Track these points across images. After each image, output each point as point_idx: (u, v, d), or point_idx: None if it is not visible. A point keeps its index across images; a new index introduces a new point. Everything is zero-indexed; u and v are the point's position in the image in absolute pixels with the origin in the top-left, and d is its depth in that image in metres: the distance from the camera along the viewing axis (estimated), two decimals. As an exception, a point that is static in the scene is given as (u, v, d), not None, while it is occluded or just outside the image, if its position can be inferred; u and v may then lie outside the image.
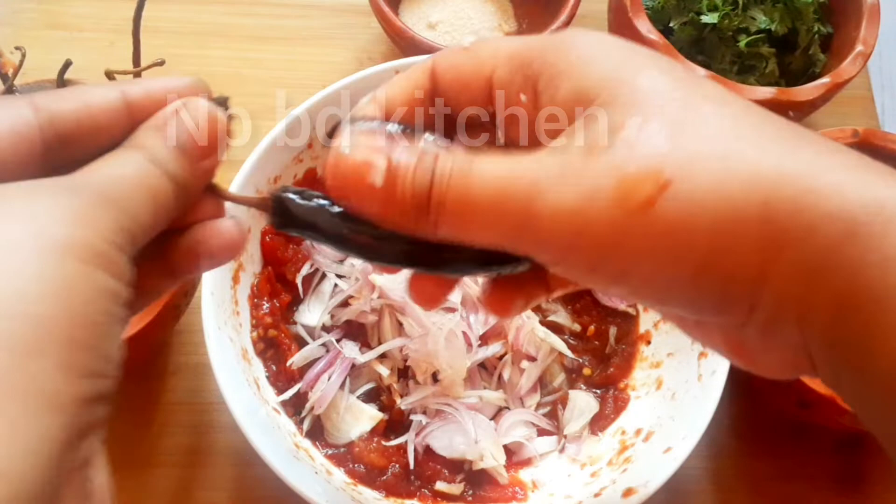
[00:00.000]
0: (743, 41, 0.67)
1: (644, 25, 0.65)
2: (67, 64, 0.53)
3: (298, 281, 0.58)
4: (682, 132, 0.28)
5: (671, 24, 0.68)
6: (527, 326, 0.57)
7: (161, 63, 0.52)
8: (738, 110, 0.30)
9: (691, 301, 0.29)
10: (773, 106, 0.63)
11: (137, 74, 0.53)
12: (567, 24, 0.70)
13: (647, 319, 0.60)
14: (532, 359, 0.57)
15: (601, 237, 0.28)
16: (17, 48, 0.52)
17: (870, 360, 0.26)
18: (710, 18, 0.67)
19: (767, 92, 0.63)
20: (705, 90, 0.30)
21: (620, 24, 0.68)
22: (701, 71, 0.63)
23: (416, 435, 0.54)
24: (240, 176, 0.54)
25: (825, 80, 0.64)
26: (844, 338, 0.27)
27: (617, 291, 0.31)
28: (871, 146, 0.62)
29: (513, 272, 0.33)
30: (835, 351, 0.27)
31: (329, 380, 0.55)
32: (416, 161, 0.29)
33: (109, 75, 0.54)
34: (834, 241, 0.26)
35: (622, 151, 0.28)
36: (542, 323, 0.58)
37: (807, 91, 0.63)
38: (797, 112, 0.67)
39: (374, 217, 0.30)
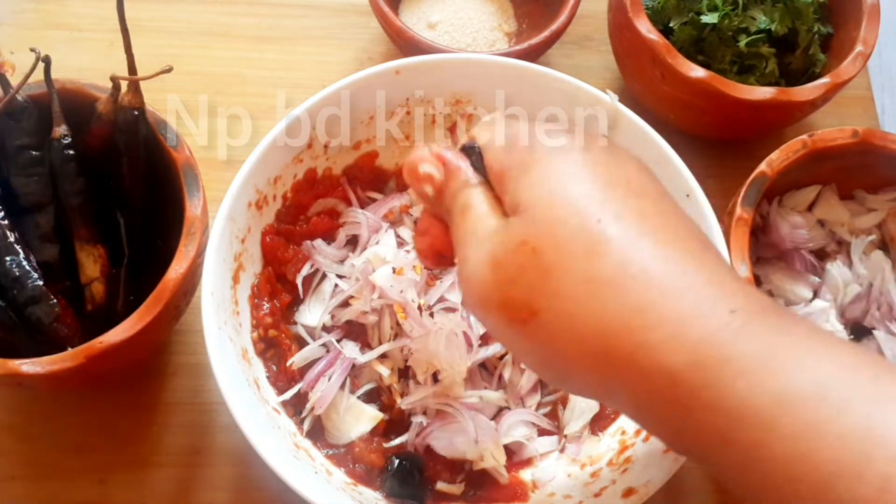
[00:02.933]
0: (743, 41, 0.67)
1: (644, 25, 0.65)
2: (47, 61, 0.53)
3: (299, 281, 0.58)
4: (557, 271, 0.34)
5: (671, 24, 0.68)
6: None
7: (169, 70, 0.53)
8: (607, 263, 0.34)
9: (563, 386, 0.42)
10: (773, 106, 0.63)
11: (135, 81, 0.54)
12: (567, 23, 0.70)
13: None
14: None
15: (497, 330, 0.37)
16: (31, 49, 0.52)
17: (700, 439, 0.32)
18: (710, 18, 0.67)
19: (767, 92, 0.63)
20: (615, 223, 0.35)
21: (620, 24, 0.68)
22: (700, 72, 0.63)
23: (417, 435, 0.54)
24: (240, 176, 0.54)
25: (825, 80, 0.64)
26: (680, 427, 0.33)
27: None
28: (871, 146, 0.62)
29: None
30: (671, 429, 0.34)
31: (329, 380, 0.54)
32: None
33: (115, 80, 0.54)
34: (663, 385, 0.32)
35: (512, 272, 0.35)
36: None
37: (807, 91, 0.63)
38: (797, 112, 0.67)
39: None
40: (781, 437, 0.29)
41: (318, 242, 0.60)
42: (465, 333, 0.54)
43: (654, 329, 0.32)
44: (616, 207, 0.35)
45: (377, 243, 0.59)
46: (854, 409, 0.29)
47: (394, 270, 0.55)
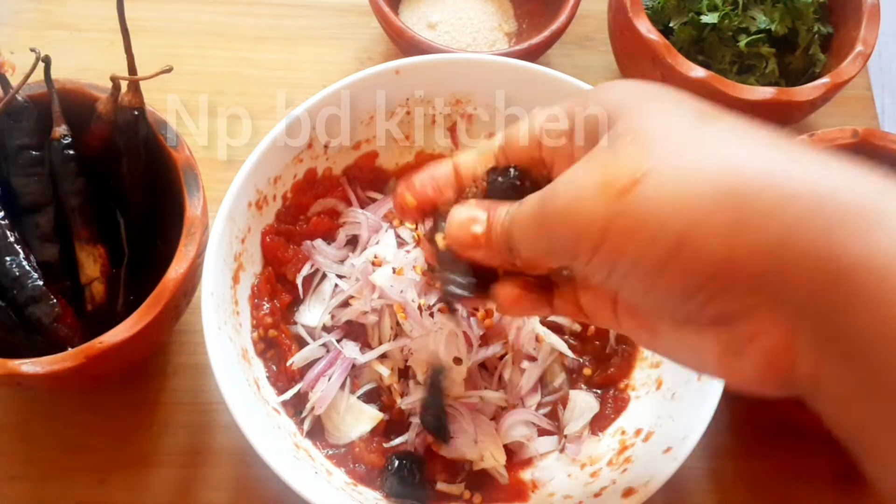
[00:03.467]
0: (743, 41, 0.67)
1: (644, 25, 0.65)
2: (47, 61, 0.53)
3: (299, 281, 0.58)
4: (660, 136, 0.32)
5: (671, 24, 0.68)
6: (527, 326, 0.57)
7: (169, 70, 0.53)
8: (724, 123, 0.34)
9: (675, 290, 0.32)
10: (773, 106, 0.63)
11: (135, 81, 0.54)
12: (567, 23, 0.70)
13: (648, 319, 0.60)
14: (532, 359, 0.57)
15: (592, 224, 0.33)
16: (31, 49, 0.52)
17: (853, 330, 0.28)
18: (710, 18, 0.67)
19: (767, 92, 0.63)
20: (698, 104, 0.35)
21: (620, 24, 0.68)
22: (700, 72, 0.63)
23: (417, 435, 0.54)
24: (240, 176, 0.54)
25: (825, 80, 0.64)
26: (825, 313, 0.28)
27: (616, 282, 0.35)
28: (871, 146, 0.62)
29: None
30: (817, 328, 0.29)
31: (329, 380, 0.54)
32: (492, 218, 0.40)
33: (115, 80, 0.54)
34: (797, 219, 0.28)
35: (610, 153, 0.33)
36: (543, 323, 0.58)
37: (807, 91, 0.63)
38: (797, 112, 0.67)
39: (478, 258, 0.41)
40: None
41: (318, 242, 0.60)
42: (464, 333, 0.54)
43: (792, 169, 0.29)
44: (692, 99, 0.35)
45: (377, 243, 0.59)
46: None
47: (394, 270, 0.55)
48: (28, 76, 0.53)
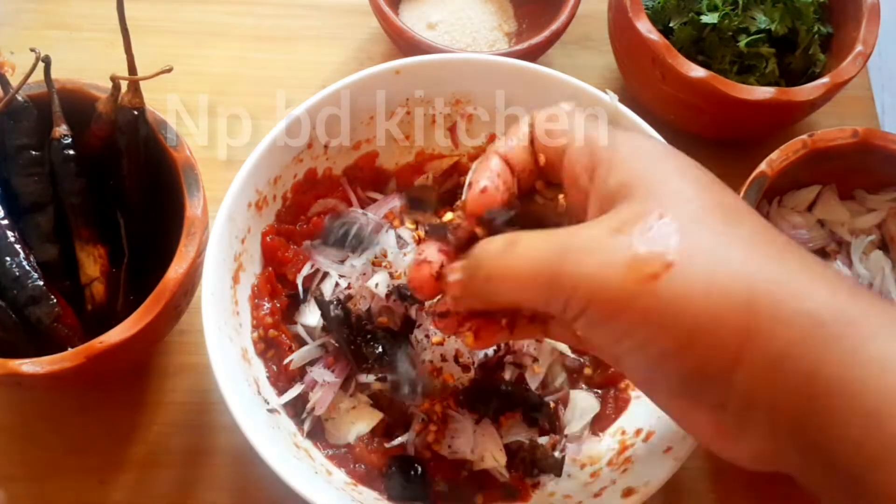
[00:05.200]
0: (743, 41, 0.67)
1: (644, 25, 0.65)
2: (47, 61, 0.53)
3: (299, 281, 0.58)
4: (691, 230, 0.34)
5: (671, 24, 0.68)
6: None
7: (169, 70, 0.53)
8: (747, 228, 0.35)
9: (676, 375, 0.35)
10: (773, 106, 0.63)
11: (136, 81, 0.54)
12: (567, 23, 0.70)
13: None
14: (533, 359, 0.57)
15: (612, 298, 0.34)
16: (31, 49, 0.52)
17: (831, 444, 0.31)
18: (710, 18, 0.67)
19: (767, 92, 0.63)
20: (722, 198, 0.37)
21: (620, 24, 0.68)
22: (700, 72, 0.63)
23: (417, 435, 0.54)
24: (240, 176, 0.54)
25: (825, 80, 0.64)
26: (808, 424, 0.32)
27: (618, 351, 0.37)
28: (871, 146, 0.62)
29: None
30: (800, 436, 0.32)
31: (329, 381, 0.54)
32: (461, 264, 0.40)
33: (115, 80, 0.54)
34: (798, 335, 0.31)
35: (641, 235, 0.34)
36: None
37: (807, 91, 0.63)
38: (797, 112, 0.67)
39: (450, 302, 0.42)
40: None
41: (319, 242, 0.59)
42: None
43: (801, 280, 0.33)
44: (718, 187, 0.37)
45: (377, 244, 0.59)
46: None
47: (392, 276, 0.55)
48: (28, 76, 0.53)
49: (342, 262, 0.59)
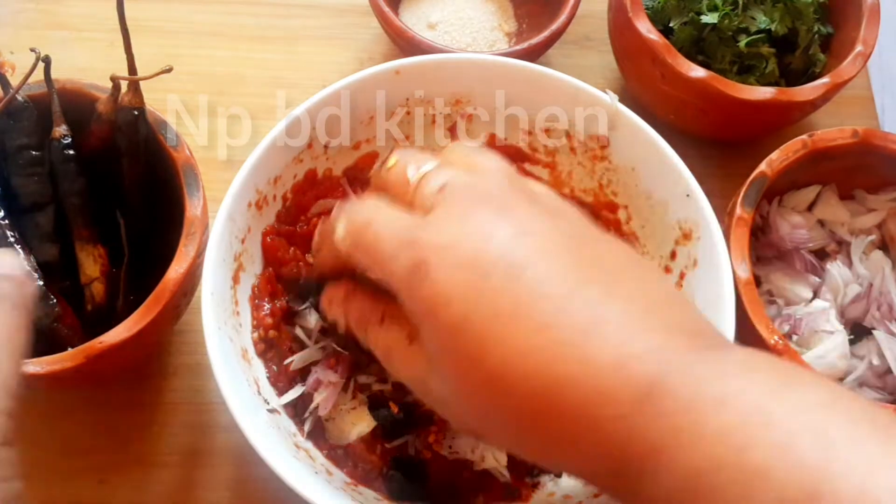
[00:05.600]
0: (743, 41, 0.67)
1: (644, 25, 0.65)
2: (47, 61, 0.53)
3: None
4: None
5: (671, 24, 0.68)
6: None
7: (169, 70, 0.53)
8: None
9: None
10: (773, 106, 0.63)
11: (135, 81, 0.54)
12: (567, 23, 0.70)
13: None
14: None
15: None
16: (31, 49, 0.52)
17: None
18: (710, 18, 0.67)
19: (767, 92, 0.63)
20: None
21: (620, 24, 0.68)
22: (700, 72, 0.63)
23: (417, 436, 0.54)
24: (240, 176, 0.54)
25: (825, 80, 0.64)
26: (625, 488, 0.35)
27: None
28: (871, 146, 0.62)
29: None
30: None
31: (334, 381, 0.54)
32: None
33: (115, 80, 0.54)
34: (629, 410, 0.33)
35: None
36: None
37: (807, 91, 0.63)
38: (797, 112, 0.67)
39: None
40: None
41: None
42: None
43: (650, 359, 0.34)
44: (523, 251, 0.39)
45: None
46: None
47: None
48: (28, 76, 0.53)
49: (342, 262, 0.59)
